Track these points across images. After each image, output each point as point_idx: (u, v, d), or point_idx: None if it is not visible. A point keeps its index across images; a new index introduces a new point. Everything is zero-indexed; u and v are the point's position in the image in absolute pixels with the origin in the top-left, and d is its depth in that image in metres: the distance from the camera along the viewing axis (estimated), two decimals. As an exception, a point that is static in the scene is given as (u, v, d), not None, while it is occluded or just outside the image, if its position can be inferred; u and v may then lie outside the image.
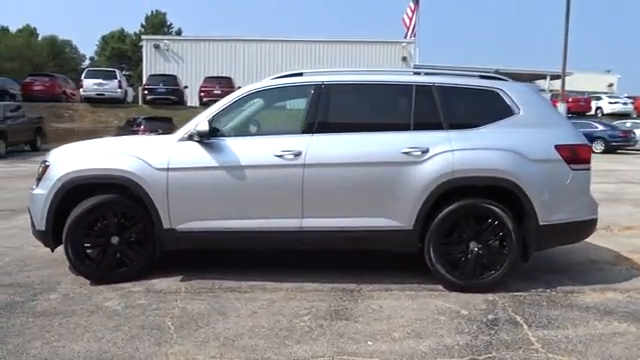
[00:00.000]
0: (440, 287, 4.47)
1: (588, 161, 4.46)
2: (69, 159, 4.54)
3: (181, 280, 4.64)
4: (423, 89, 4.51)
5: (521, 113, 4.47)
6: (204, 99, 25.56)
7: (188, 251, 5.05)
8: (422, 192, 4.29)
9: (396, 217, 4.35)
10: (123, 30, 70.28)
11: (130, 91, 30.42)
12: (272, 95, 4.72)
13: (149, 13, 69.09)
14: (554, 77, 36.73)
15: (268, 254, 5.43)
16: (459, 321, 3.82)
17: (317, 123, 4.46)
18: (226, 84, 25.52)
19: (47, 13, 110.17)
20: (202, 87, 26.05)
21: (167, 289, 4.45)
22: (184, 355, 3.29)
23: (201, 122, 4.36)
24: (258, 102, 4.72)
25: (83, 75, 26.99)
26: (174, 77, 27.19)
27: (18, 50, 64.98)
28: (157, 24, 69.20)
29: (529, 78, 40.50)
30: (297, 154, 4.35)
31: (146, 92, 26.60)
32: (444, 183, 4.28)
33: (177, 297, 4.27)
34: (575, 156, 4.39)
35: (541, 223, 4.32)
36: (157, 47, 34.30)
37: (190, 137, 4.44)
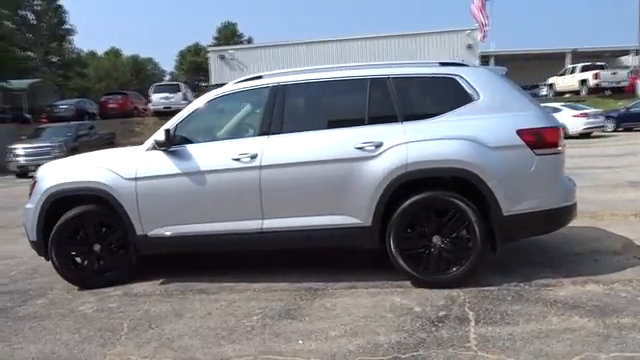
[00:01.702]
0: (408, 283, 4.36)
1: (556, 145, 4.15)
2: (52, 174, 4.89)
3: (161, 283, 4.84)
4: (378, 82, 4.42)
5: (480, 99, 4.26)
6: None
7: (178, 255, 5.27)
8: (377, 187, 4.20)
9: (354, 214, 4.29)
10: (198, 44, 73.45)
11: (197, 102, 31.60)
12: (233, 99, 4.80)
13: (220, 25, 71.69)
14: None
15: (257, 254, 5.53)
16: (405, 318, 3.71)
17: (273, 124, 4.49)
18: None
19: (130, 34, 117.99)
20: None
21: (143, 292, 4.66)
22: (120, 356, 3.45)
23: (159, 132, 4.53)
24: (220, 107, 4.82)
25: (151, 90, 28.55)
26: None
27: (105, 71, 69.82)
28: (229, 35, 71.70)
29: (610, 55, 37.95)
30: (253, 156, 4.40)
31: (209, 102, 27.59)
32: (398, 177, 4.17)
33: (147, 300, 4.46)
34: (540, 140, 4.11)
35: (505, 213, 4.09)
36: (222, 57, 35.48)
37: (154, 146, 4.63)
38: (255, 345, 3.45)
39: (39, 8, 58.86)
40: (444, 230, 4.19)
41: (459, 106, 4.26)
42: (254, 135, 4.55)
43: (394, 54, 34.42)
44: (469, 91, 4.27)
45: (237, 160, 4.42)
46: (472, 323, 3.56)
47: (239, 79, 4.82)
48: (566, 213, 4.26)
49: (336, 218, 4.33)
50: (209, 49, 38.37)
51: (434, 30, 36.16)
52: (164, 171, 4.57)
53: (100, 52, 73.73)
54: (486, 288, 4.17)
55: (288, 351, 3.34)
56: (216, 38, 72.22)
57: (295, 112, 4.56)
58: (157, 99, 27.13)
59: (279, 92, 4.54)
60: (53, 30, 59.46)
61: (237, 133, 4.71)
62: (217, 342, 3.54)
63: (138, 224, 4.64)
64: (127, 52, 76.04)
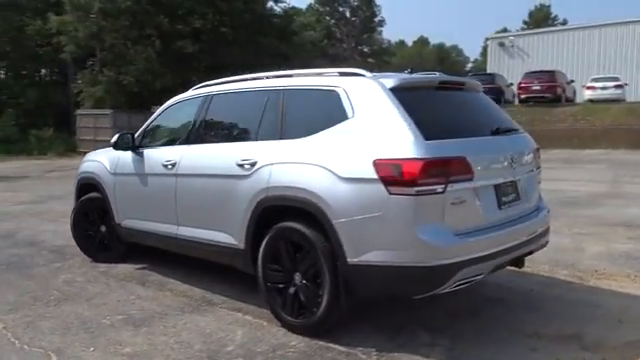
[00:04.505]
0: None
1: (414, 183, 3.07)
2: (83, 162, 5.96)
3: (137, 269, 5.43)
4: (275, 94, 4.00)
5: (354, 117, 3.45)
6: (522, 96, 24.01)
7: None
8: (246, 210, 3.88)
9: (233, 234, 4.06)
10: (505, 29, 70.50)
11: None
12: (185, 106, 4.90)
13: (533, 8, 67.38)
14: None
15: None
16: (199, 355, 3.43)
17: (193, 134, 4.56)
18: (547, 79, 23.27)
19: (437, 22, 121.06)
20: (520, 83, 24.32)
21: (115, 273, 5.32)
22: (5, 322, 4.10)
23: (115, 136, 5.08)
24: (176, 113, 5.02)
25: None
26: (492, 76, 26.19)
27: (410, 59, 73.70)
28: (540, 18, 66.89)
29: None
30: (174, 164, 4.56)
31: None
32: (261, 201, 3.77)
33: (104, 280, 5.10)
34: (397, 175, 3.12)
35: (349, 261, 3.29)
36: (502, 45, 33.62)
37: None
38: (66, 342, 3.67)
39: (355, 4, 65.37)
40: (301, 269, 3.63)
41: (333, 124, 3.56)
42: (182, 143, 4.68)
43: None
44: (345, 107, 3.51)
45: (165, 166, 4.65)
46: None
47: (196, 86, 4.95)
48: (419, 275, 3.11)
49: (221, 235, 4.16)
50: (488, 36, 36.69)
51: None
52: (126, 170, 5.11)
53: (409, 42, 77.97)
54: (333, 346, 3.46)
55: (70, 356, 3.51)
56: (525, 22, 68.21)
57: (211, 123, 4.51)
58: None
59: (206, 102, 4.56)
60: (365, 23, 65.39)
61: (176, 140, 4.90)
62: (54, 332, 3.88)
63: (115, 213, 5.31)
64: (434, 40, 78.48)
